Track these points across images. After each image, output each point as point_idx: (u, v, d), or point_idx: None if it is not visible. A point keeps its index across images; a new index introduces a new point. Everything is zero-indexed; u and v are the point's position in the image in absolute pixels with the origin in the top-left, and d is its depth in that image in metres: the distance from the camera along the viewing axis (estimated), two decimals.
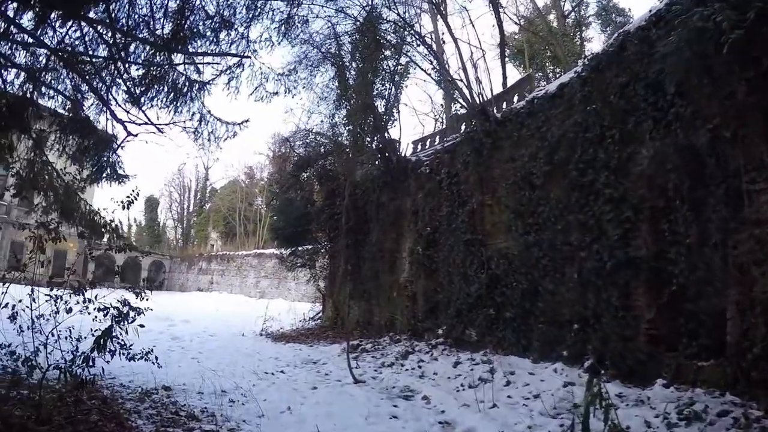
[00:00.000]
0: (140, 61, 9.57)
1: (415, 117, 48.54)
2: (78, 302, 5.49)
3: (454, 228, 11.96)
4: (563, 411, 6.49)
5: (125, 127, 9.68)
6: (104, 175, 10.64)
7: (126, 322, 5.61)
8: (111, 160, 10.54)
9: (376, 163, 16.35)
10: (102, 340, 5.31)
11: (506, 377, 8.22)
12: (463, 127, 13.28)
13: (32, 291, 5.58)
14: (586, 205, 8.45)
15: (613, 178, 7.98)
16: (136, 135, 9.79)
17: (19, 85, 9.37)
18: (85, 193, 10.68)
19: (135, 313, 5.72)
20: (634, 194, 7.68)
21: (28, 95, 9.50)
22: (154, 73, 9.74)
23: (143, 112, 9.59)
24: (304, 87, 16.18)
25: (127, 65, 9.49)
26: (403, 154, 15.92)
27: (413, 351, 11.14)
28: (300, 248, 18.97)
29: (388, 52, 15.70)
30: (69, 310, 5.45)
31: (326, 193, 17.84)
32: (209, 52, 9.30)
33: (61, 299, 5.53)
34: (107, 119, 9.92)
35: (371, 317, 14.95)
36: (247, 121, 10.26)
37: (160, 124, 9.55)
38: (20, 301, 5.60)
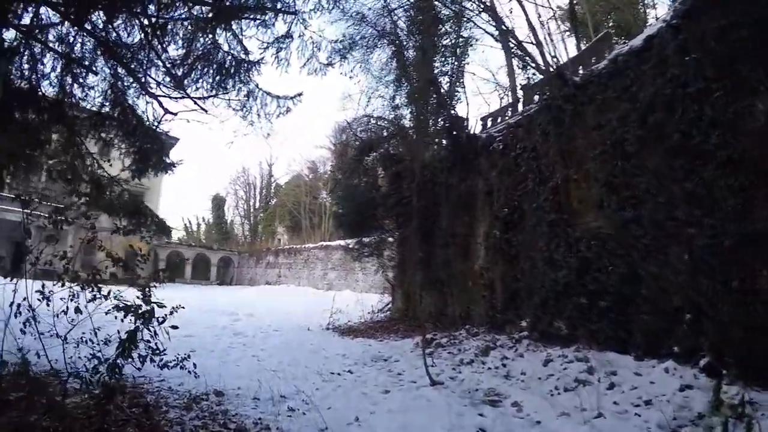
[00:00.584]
0: (180, 41, 8.94)
1: (480, 97, 46.87)
2: (95, 298, 4.98)
3: (536, 208, 10.70)
4: (685, 423, 5.32)
5: (164, 106, 9.09)
6: (150, 163, 10.10)
7: (153, 323, 4.95)
8: (156, 147, 9.97)
9: (443, 143, 15.27)
10: (127, 345, 4.51)
11: (608, 378, 6.97)
12: (536, 98, 12.01)
13: (43, 287, 5.17)
14: (692, 171, 7.10)
15: (727, 137, 6.62)
16: (176, 114, 9.18)
17: (57, 76, 8.93)
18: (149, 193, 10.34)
19: (164, 311, 5.13)
20: (752, 155, 6.31)
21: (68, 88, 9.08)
22: (196, 53, 9.07)
23: (186, 93, 8.98)
24: (360, 68, 15.39)
25: (165, 45, 8.86)
26: (471, 132, 14.71)
27: (495, 346, 10.00)
28: (366, 237, 17.98)
29: (447, 26, 14.67)
30: (77, 310, 4.94)
31: (391, 178, 16.78)
32: (254, 17, 8.40)
33: (75, 297, 5.03)
34: (147, 102, 9.42)
35: (444, 308, 13.87)
36: (300, 94, 9.45)
37: (201, 98, 8.86)
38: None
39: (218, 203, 76.03)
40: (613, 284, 8.49)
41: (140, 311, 4.83)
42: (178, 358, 5.57)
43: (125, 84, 9.36)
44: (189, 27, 8.69)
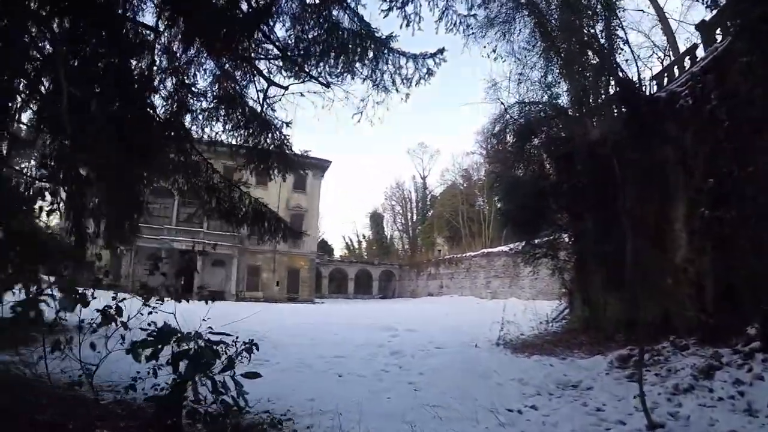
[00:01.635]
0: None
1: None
2: None
3: (753, 171, 7.90)
4: None
5: (273, 82, 8.02)
6: (270, 159, 9.08)
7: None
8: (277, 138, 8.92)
9: (613, 114, 12.63)
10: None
11: None
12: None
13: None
14: None
15: None
16: (287, 88, 8.07)
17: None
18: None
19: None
20: None
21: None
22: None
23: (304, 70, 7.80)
24: (502, 47, 13.34)
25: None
26: (648, 93, 11.90)
27: (720, 365, 7.28)
28: (536, 236, 15.32)
29: None
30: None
31: (559, 163, 14.13)
32: None
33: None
34: (257, 90, 8.37)
35: (635, 314, 11.11)
36: (442, 51, 7.74)
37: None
38: None
39: (376, 220, 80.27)
40: None
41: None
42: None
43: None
44: None
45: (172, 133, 8.48)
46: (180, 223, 40.70)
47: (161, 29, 8.28)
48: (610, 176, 10.74)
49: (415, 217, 78.03)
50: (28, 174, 12.97)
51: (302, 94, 8.90)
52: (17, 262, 10.62)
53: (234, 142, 9.44)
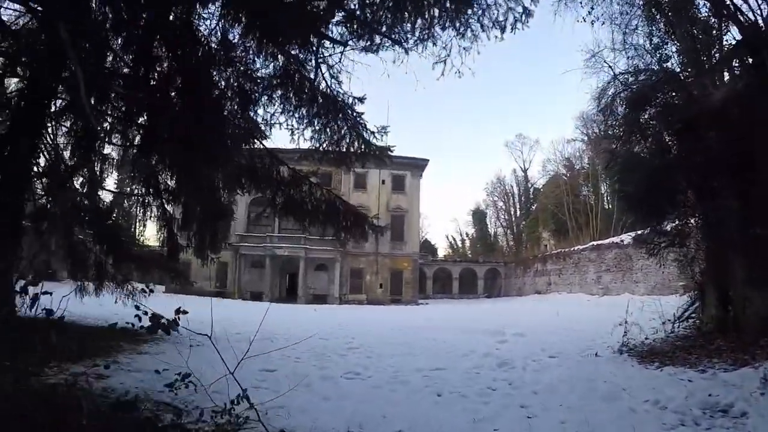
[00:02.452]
0: None
1: None
2: None
3: None
4: None
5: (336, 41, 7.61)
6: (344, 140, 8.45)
7: None
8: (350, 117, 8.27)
9: (736, 71, 10.86)
10: None
11: None
12: None
13: None
14: None
15: None
16: (346, 43, 7.84)
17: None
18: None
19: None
20: None
21: None
22: None
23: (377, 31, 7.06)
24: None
25: None
26: None
27: None
28: (661, 222, 13.09)
29: None
30: None
31: (680, 134, 12.12)
32: None
33: None
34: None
35: None
36: None
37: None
38: None
39: (479, 217, 79.61)
40: None
41: None
42: None
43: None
44: None
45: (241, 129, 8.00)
46: (282, 230, 41.54)
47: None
48: (743, 144, 9.04)
49: (518, 212, 76.32)
50: (121, 190, 13.35)
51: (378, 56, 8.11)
52: (110, 271, 10.87)
53: (297, 125, 8.79)
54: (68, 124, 10.74)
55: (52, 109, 10.20)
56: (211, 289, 41.74)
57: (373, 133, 8.84)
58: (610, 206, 51.64)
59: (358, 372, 8.60)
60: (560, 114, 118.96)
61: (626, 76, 12.85)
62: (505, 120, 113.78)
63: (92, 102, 9.34)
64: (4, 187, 8.78)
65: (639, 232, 15.38)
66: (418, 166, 47.99)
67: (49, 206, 10.51)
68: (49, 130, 10.40)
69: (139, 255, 11.86)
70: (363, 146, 8.94)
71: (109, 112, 10.05)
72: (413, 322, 20.34)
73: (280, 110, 8.54)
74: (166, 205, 11.78)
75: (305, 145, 9.02)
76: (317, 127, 8.74)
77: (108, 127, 10.53)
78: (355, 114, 8.67)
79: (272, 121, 8.62)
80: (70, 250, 10.68)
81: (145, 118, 9.04)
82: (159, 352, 7.49)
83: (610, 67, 13.13)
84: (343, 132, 8.79)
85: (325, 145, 9.02)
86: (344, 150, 8.93)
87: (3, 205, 8.70)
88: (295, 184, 8.92)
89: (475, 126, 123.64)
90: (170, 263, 12.34)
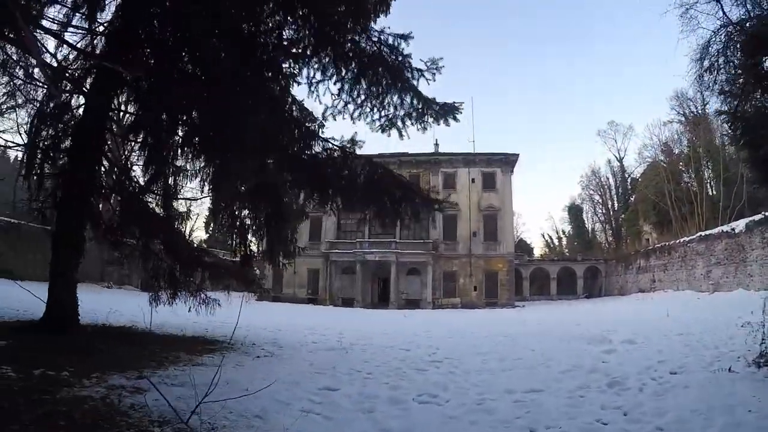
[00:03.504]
0: None
1: None
2: None
3: None
4: None
5: None
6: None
7: None
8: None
9: None
10: None
11: None
12: None
13: None
14: None
15: None
16: None
17: None
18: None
19: None
20: None
21: None
22: None
23: None
24: None
25: None
26: None
27: None
28: None
29: None
30: None
31: None
32: None
33: None
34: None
35: None
36: None
37: None
38: None
39: (575, 212, 76.04)
40: None
41: None
42: None
43: None
44: None
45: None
46: (372, 235, 41.45)
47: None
48: None
49: (616, 205, 72.03)
50: (191, 199, 13.27)
51: None
52: (181, 279, 10.71)
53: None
54: (138, 138, 10.75)
55: (115, 126, 10.37)
56: (303, 297, 42.34)
57: (420, 72, 7.77)
58: (715, 192, 47.40)
59: (435, 394, 7.35)
60: (653, 95, 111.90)
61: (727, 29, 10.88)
62: (594, 109, 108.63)
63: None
64: (68, 201, 8.88)
65: (754, 218, 13.28)
66: (508, 161, 46.32)
67: (121, 219, 10.54)
68: (115, 145, 10.57)
69: (214, 263, 11.61)
70: (415, 101, 7.86)
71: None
72: (507, 329, 17.88)
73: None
74: (236, 211, 11.58)
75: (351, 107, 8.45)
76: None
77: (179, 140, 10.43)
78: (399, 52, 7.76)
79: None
80: (143, 261, 10.62)
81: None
82: (216, 365, 6.85)
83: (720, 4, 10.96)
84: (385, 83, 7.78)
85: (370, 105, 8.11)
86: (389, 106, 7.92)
87: (68, 219, 8.79)
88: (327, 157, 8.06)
89: (564, 117, 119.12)
90: (244, 271, 12.03)
